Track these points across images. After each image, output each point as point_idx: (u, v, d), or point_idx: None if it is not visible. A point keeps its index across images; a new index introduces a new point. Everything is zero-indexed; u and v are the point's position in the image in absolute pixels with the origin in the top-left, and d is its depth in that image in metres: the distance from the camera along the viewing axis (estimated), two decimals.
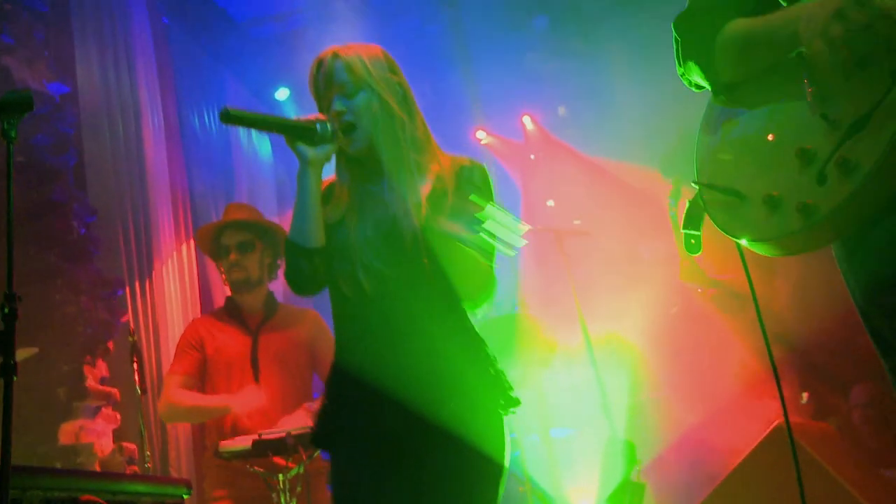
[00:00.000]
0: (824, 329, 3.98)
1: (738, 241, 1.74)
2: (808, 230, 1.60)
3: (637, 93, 7.18)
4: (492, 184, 2.14)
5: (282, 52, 6.49)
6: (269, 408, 3.49)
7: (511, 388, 2.07)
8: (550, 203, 7.26)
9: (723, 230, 1.78)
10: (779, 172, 1.66)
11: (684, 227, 1.90)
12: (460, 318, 2.07)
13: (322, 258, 2.08)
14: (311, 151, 2.04)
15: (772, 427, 3.48)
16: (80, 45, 4.84)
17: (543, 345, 4.90)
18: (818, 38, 1.55)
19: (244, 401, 3.45)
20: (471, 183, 2.08)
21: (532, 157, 7.25)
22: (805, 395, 5.04)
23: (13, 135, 2.30)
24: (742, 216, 1.72)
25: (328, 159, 2.09)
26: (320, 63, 2.11)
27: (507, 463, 2.02)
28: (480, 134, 7.04)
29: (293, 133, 2.03)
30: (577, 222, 6.87)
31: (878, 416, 4.42)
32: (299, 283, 2.11)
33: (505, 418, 2.06)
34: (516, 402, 2.07)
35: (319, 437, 2.14)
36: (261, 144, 6.86)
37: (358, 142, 2.09)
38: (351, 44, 2.14)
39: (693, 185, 1.87)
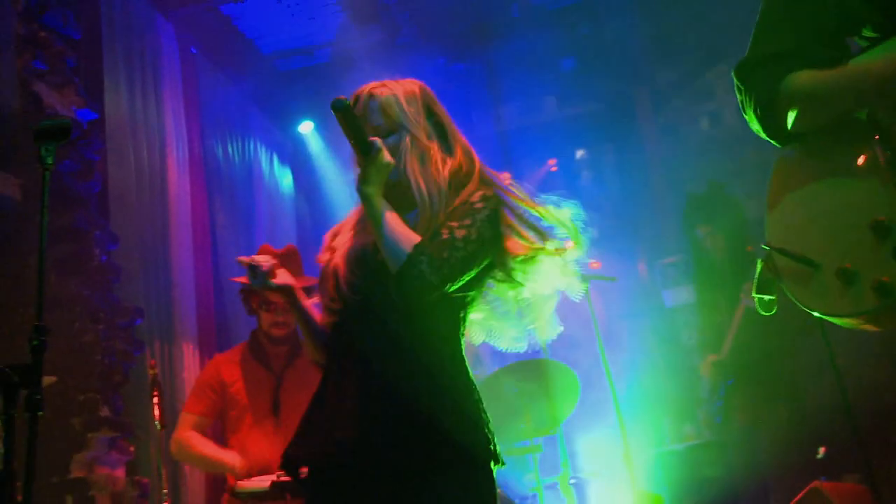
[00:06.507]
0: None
1: (812, 312, 1.68)
2: (885, 310, 1.54)
3: (661, 138, 7.21)
4: (492, 212, 1.99)
5: (307, 85, 6.52)
6: None
7: (494, 442, 1.96)
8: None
9: (795, 301, 1.71)
10: (852, 243, 1.60)
11: (757, 292, 1.83)
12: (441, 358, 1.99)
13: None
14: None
15: (808, 488, 3.39)
16: (110, 71, 4.87)
17: (566, 390, 4.82)
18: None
19: (251, 464, 3.42)
20: (466, 202, 1.99)
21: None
22: (822, 450, 4.93)
23: (49, 161, 2.27)
24: (815, 288, 1.66)
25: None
26: (356, 100, 2.08)
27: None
28: (504, 177, 7.01)
29: (362, 144, 1.96)
30: (593, 263, 6.81)
31: None
32: None
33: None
34: (498, 459, 1.95)
35: (288, 461, 2.05)
36: (282, 177, 6.86)
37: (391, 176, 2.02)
38: (388, 81, 2.11)
39: (764, 248, 1.80)
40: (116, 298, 4.55)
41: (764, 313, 1.86)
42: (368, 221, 1.96)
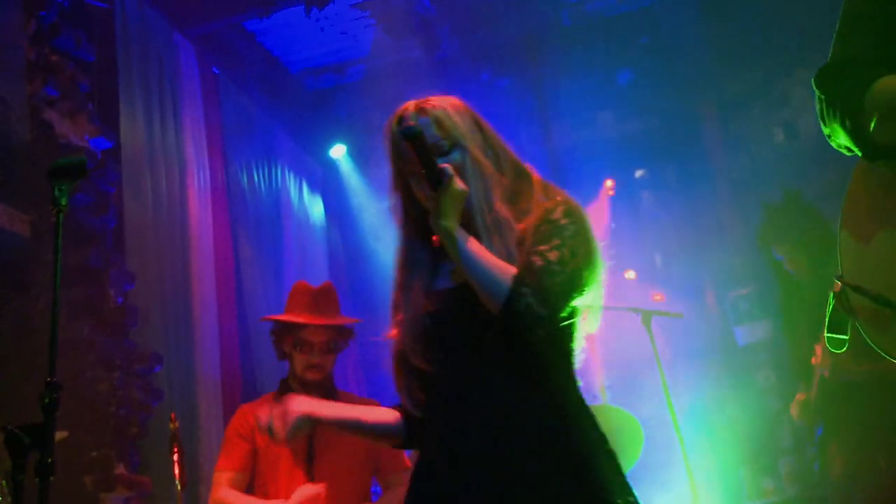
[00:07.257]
0: None
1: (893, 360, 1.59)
2: None
3: (729, 154, 7.09)
4: (579, 225, 1.97)
5: (339, 105, 6.54)
6: None
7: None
8: (630, 275, 7.11)
9: (873, 345, 1.63)
10: None
11: (828, 331, 1.77)
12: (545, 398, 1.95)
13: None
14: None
15: None
16: (125, 95, 4.88)
17: (627, 440, 4.70)
18: None
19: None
20: (548, 221, 1.96)
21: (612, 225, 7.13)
22: None
23: (63, 203, 2.26)
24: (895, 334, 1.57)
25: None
26: (401, 120, 2.04)
27: None
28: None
29: (435, 173, 1.92)
30: (656, 295, 6.72)
31: None
32: None
33: None
34: None
35: None
36: (312, 206, 6.86)
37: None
38: (430, 97, 2.09)
39: (837, 281, 1.73)
40: (133, 343, 4.53)
41: (834, 350, 1.80)
42: (456, 262, 1.93)
